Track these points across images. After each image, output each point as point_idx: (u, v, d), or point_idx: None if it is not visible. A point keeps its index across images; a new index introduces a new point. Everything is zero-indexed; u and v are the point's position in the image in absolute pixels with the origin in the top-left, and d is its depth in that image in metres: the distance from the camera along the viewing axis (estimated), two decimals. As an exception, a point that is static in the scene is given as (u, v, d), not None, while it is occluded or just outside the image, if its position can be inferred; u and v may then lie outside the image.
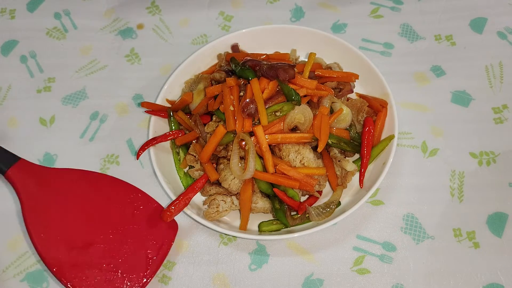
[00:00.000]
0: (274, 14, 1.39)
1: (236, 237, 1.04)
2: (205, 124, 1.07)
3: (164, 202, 1.06)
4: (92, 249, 0.96)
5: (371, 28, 1.34)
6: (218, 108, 1.04)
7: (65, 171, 1.07)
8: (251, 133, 0.99)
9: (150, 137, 1.10)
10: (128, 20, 1.39)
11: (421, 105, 1.20)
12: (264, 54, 1.17)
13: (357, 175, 1.06)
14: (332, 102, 1.05)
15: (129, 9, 1.41)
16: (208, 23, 1.38)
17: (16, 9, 1.42)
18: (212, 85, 1.10)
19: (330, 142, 1.03)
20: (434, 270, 0.98)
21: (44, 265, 1.01)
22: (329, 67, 1.17)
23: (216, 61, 1.23)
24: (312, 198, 1.04)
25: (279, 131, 1.00)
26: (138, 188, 1.06)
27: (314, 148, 1.03)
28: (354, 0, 1.40)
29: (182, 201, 0.99)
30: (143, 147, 1.08)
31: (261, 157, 1.00)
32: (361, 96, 1.15)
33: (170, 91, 1.16)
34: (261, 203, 1.02)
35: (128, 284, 0.94)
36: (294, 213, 1.01)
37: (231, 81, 1.03)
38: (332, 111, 1.05)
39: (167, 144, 1.13)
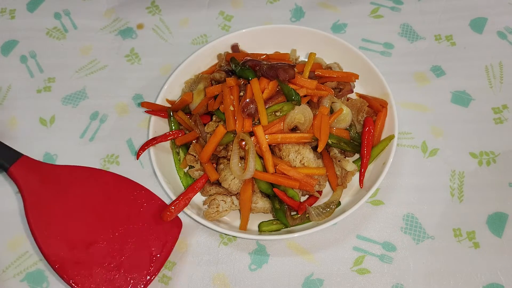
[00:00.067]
0: (274, 14, 1.39)
1: (236, 237, 1.04)
2: (205, 124, 1.07)
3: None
4: (95, 247, 0.96)
5: (371, 28, 1.34)
6: (218, 108, 1.04)
7: (68, 168, 1.06)
8: (251, 133, 0.99)
9: (150, 137, 1.10)
10: (128, 20, 1.39)
11: (421, 105, 1.20)
12: (264, 54, 1.17)
13: (357, 175, 1.06)
14: (332, 102, 1.05)
15: (129, 9, 1.41)
16: (208, 23, 1.38)
17: (16, 9, 1.42)
18: (212, 85, 1.10)
19: (330, 142, 1.03)
20: (434, 270, 0.98)
21: (46, 263, 1.02)
22: (329, 67, 1.17)
23: (216, 61, 1.23)
24: (312, 198, 1.04)
25: (279, 131, 1.00)
26: (141, 185, 1.05)
27: (314, 148, 1.03)
28: (354, 0, 1.40)
29: (182, 201, 0.99)
30: (143, 147, 1.08)
31: (261, 157, 1.00)
32: (361, 96, 1.15)
33: (170, 91, 1.16)
34: (261, 203, 1.02)
35: (132, 282, 0.93)
36: (294, 213, 1.01)
37: (231, 81, 1.03)
38: (332, 111, 1.05)
39: (167, 144, 1.13)
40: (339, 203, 1.02)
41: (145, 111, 1.13)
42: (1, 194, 1.11)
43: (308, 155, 1.01)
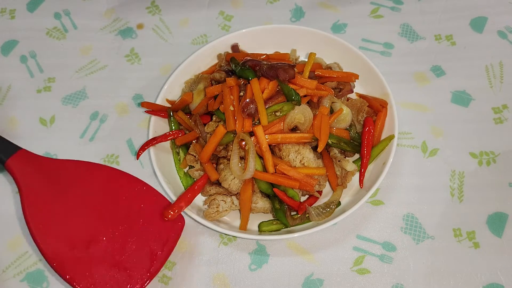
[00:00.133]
0: (274, 14, 1.39)
1: (236, 237, 1.04)
2: (205, 124, 1.07)
3: (164, 202, 1.06)
4: (95, 244, 0.94)
5: (371, 28, 1.34)
6: (218, 108, 1.04)
7: (68, 162, 1.04)
8: (251, 133, 0.99)
9: (150, 137, 1.10)
10: (128, 20, 1.39)
11: (421, 105, 1.20)
12: (264, 54, 1.17)
13: (357, 175, 1.06)
14: (332, 102, 1.05)
15: (129, 9, 1.41)
16: (208, 23, 1.38)
17: (16, 9, 1.42)
18: (212, 85, 1.10)
19: (330, 142, 1.03)
20: (434, 270, 0.98)
21: (46, 263, 1.02)
22: (329, 67, 1.17)
23: (216, 61, 1.23)
24: (312, 198, 1.04)
25: (279, 131, 1.00)
26: (143, 181, 1.04)
27: (314, 148, 1.03)
28: (354, 0, 1.40)
29: (183, 201, 0.98)
30: (143, 147, 1.08)
31: (261, 157, 1.00)
32: (361, 96, 1.15)
33: (170, 91, 1.16)
34: (261, 203, 1.02)
35: (132, 280, 0.92)
36: (294, 213, 1.01)
37: (231, 81, 1.03)
38: (332, 111, 1.05)
39: (167, 144, 1.13)
40: (339, 203, 1.02)
41: (145, 111, 1.13)
42: (1, 195, 1.11)
43: (308, 155, 1.01)
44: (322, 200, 1.04)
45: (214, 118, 1.07)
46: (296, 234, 0.96)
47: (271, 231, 1.01)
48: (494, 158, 1.11)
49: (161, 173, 1.04)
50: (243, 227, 1.01)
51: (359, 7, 1.38)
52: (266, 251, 1.02)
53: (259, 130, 0.97)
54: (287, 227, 1.00)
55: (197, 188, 1.01)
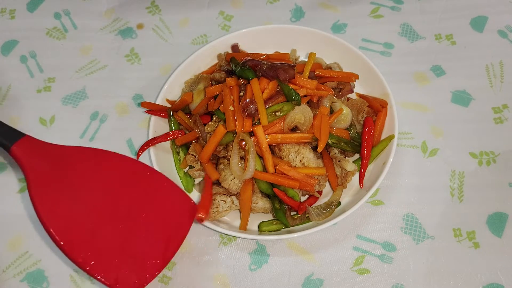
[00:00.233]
0: (274, 14, 1.39)
1: (236, 237, 1.04)
2: (205, 124, 1.07)
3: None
4: (105, 229, 0.91)
5: (371, 28, 1.34)
6: (218, 108, 1.04)
7: (75, 148, 1.01)
8: (251, 133, 0.99)
9: (150, 137, 1.10)
10: (128, 20, 1.39)
11: (421, 105, 1.20)
12: (264, 54, 1.17)
13: (357, 175, 1.06)
14: (332, 102, 1.05)
15: (129, 9, 1.41)
16: (208, 23, 1.38)
17: (16, 9, 1.42)
18: (212, 85, 1.10)
19: (330, 142, 1.03)
20: (434, 270, 0.98)
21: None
22: (329, 67, 1.17)
23: (216, 61, 1.23)
24: (312, 198, 1.04)
25: (279, 131, 1.00)
26: (151, 167, 1.02)
27: (314, 148, 1.03)
28: (354, 0, 1.40)
29: (207, 199, 0.99)
30: (143, 147, 1.08)
31: (261, 157, 1.00)
32: (361, 96, 1.15)
33: (170, 91, 1.16)
34: (261, 203, 1.02)
35: (145, 266, 0.89)
36: (294, 213, 1.01)
37: (231, 81, 1.03)
38: (332, 111, 1.05)
39: (167, 144, 1.13)
40: (339, 203, 1.02)
41: (145, 111, 1.13)
42: (1, 194, 1.11)
43: (308, 155, 1.01)
44: (322, 200, 1.04)
45: (214, 118, 1.07)
46: (296, 234, 0.96)
47: (271, 231, 1.01)
48: (494, 158, 1.11)
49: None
50: (243, 227, 1.01)
51: (359, 7, 1.38)
52: (266, 251, 1.02)
53: (259, 130, 0.97)
54: (287, 227, 1.00)
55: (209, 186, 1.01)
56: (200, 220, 0.97)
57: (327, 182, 1.06)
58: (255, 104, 0.98)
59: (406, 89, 1.22)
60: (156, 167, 1.04)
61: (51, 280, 1.01)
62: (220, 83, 1.08)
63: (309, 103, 1.04)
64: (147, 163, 1.13)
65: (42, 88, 1.27)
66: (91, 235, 0.90)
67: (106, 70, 1.30)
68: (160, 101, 1.14)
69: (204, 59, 1.22)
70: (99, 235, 0.91)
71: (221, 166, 1.02)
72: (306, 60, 1.14)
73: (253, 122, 0.99)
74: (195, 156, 1.06)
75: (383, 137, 1.09)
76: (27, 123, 1.21)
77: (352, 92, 1.16)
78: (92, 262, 0.88)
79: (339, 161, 1.03)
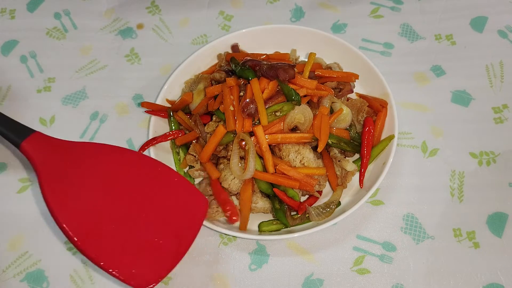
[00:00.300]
0: (274, 14, 1.39)
1: (236, 237, 1.04)
2: (205, 124, 1.07)
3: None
4: (115, 226, 0.90)
5: (371, 28, 1.34)
6: (218, 108, 1.04)
7: (85, 144, 1.01)
8: (251, 133, 0.99)
9: (150, 137, 1.10)
10: (128, 20, 1.39)
11: (421, 105, 1.20)
12: (264, 54, 1.17)
13: (357, 175, 1.06)
14: (332, 102, 1.05)
15: (129, 9, 1.41)
16: (208, 23, 1.38)
17: (16, 9, 1.42)
18: (212, 85, 1.10)
19: (330, 142, 1.03)
20: (434, 270, 0.98)
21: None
22: (329, 67, 1.17)
23: (216, 61, 1.23)
24: (312, 198, 1.04)
25: (279, 131, 1.00)
26: (161, 163, 1.00)
27: (314, 148, 1.03)
28: (354, 0, 1.40)
29: (226, 195, 1.00)
30: (143, 147, 1.08)
31: (261, 157, 1.00)
32: (361, 96, 1.15)
33: (170, 91, 1.16)
34: (261, 203, 1.02)
35: (160, 261, 0.89)
36: (294, 213, 1.01)
37: (231, 81, 1.03)
38: (332, 111, 1.05)
39: (167, 144, 1.13)
40: (339, 203, 1.02)
41: (145, 111, 1.13)
42: (1, 194, 1.11)
43: (308, 155, 1.01)
44: (322, 200, 1.04)
45: (214, 118, 1.07)
46: (296, 234, 0.96)
47: (271, 231, 1.01)
48: (494, 158, 1.11)
49: (161, 173, 1.03)
50: (243, 227, 1.01)
51: (359, 7, 1.38)
52: (266, 251, 1.02)
53: (259, 130, 0.97)
54: (287, 227, 1.00)
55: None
56: (234, 221, 0.97)
57: (327, 182, 1.06)
58: (255, 104, 0.98)
59: (406, 89, 1.22)
60: (156, 167, 1.04)
61: (51, 280, 1.01)
62: (220, 83, 1.08)
63: (309, 103, 1.04)
64: (147, 163, 1.14)
65: (42, 88, 1.27)
66: (104, 231, 0.89)
67: (106, 70, 1.30)
68: (160, 101, 1.14)
69: (204, 59, 1.22)
70: (112, 231, 0.90)
71: (221, 166, 1.02)
72: (306, 60, 1.14)
73: (253, 122, 0.99)
74: (195, 156, 1.06)
75: (383, 137, 1.09)
76: (27, 123, 1.19)
77: (352, 92, 1.16)
78: (106, 257, 0.87)
79: (339, 161, 1.03)
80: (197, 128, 1.06)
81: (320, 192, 1.06)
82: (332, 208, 0.99)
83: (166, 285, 0.99)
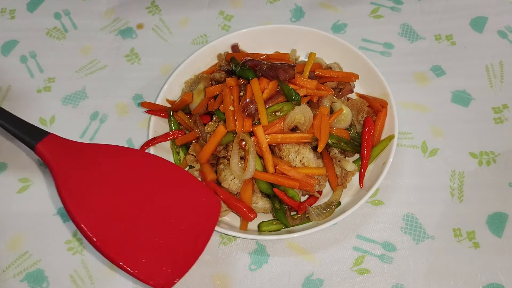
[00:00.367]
0: (274, 14, 1.39)
1: (236, 237, 1.04)
2: (205, 124, 1.07)
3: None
4: (132, 226, 0.90)
5: (371, 28, 1.34)
6: (218, 108, 1.04)
7: (99, 146, 1.01)
8: (251, 133, 0.99)
9: (150, 137, 1.10)
10: (128, 20, 1.39)
11: (421, 105, 1.20)
12: (264, 54, 1.17)
13: (357, 175, 1.06)
14: (332, 102, 1.05)
15: (129, 9, 1.41)
16: (208, 23, 1.38)
17: (16, 9, 1.42)
18: (212, 85, 1.10)
19: (330, 142, 1.03)
20: (434, 270, 0.98)
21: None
22: (329, 67, 1.17)
23: (216, 61, 1.23)
24: (312, 198, 1.04)
25: (279, 131, 1.00)
26: (174, 164, 1.01)
27: (314, 148, 1.03)
28: (354, 0, 1.40)
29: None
30: (143, 147, 1.08)
31: (261, 157, 1.00)
32: (361, 96, 1.15)
33: (170, 91, 1.16)
34: (261, 203, 1.02)
35: (178, 261, 0.89)
36: (294, 213, 1.01)
37: (231, 81, 1.03)
38: (332, 111, 1.05)
39: (167, 144, 1.13)
40: (339, 203, 1.02)
41: (145, 111, 1.13)
42: (1, 194, 1.11)
43: (308, 155, 1.01)
44: (322, 200, 1.04)
45: (214, 118, 1.07)
46: (296, 234, 0.96)
47: (271, 231, 1.01)
48: (494, 158, 1.11)
49: (161, 173, 1.03)
50: (243, 227, 1.01)
51: (359, 7, 1.38)
52: (266, 251, 1.02)
53: (259, 130, 0.97)
54: (287, 227, 1.00)
55: None
56: (251, 218, 0.98)
57: (327, 182, 1.06)
58: (255, 104, 0.98)
59: (406, 89, 1.22)
60: (156, 167, 1.04)
61: (51, 280, 1.01)
62: (220, 83, 1.08)
63: (309, 103, 1.04)
64: (147, 163, 1.14)
65: (42, 88, 1.27)
66: (121, 231, 0.89)
67: (106, 70, 1.30)
68: (160, 101, 1.14)
69: (204, 59, 1.22)
70: (128, 231, 0.90)
71: (221, 166, 1.02)
72: (306, 60, 1.14)
73: (253, 122, 0.99)
74: (195, 156, 1.06)
75: (383, 137, 1.09)
76: (27, 123, 1.21)
77: (352, 92, 1.16)
78: (125, 257, 0.87)
79: (339, 161, 1.03)
80: (197, 128, 1.06)
81: (320, 192, 1.06)
82: (332, 208, 0.99)
83: (166, 285, 0.99)
